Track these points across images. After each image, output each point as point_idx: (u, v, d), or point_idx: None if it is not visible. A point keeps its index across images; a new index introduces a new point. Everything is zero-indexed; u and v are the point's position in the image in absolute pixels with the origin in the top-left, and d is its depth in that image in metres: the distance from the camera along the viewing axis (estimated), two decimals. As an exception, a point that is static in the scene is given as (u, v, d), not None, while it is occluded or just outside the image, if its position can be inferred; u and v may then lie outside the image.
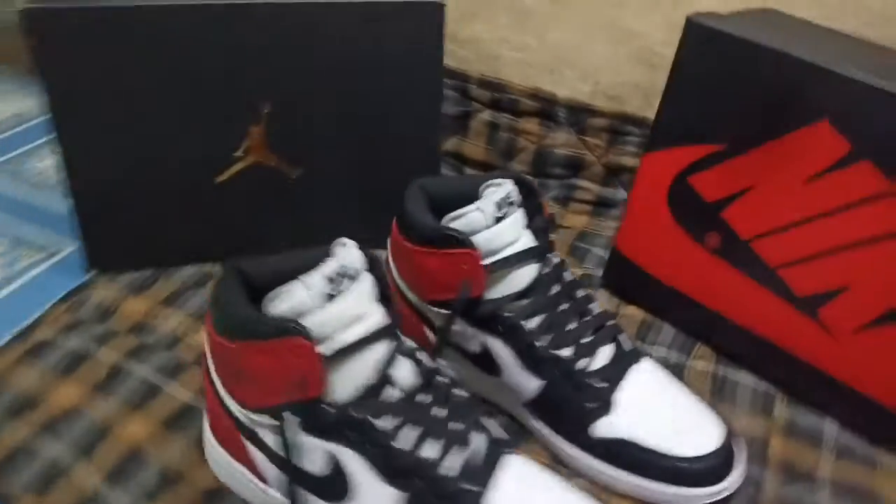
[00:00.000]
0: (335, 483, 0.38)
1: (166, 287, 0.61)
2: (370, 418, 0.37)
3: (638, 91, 0.71)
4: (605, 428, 0.45)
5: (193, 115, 0.57)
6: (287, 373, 0.36)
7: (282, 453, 0.39)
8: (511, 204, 0.45)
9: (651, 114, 0.70)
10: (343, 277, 0.37)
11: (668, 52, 0.53)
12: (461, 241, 0.43)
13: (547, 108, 0.72)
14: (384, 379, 0.38)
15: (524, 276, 0.46)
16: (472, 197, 0.47)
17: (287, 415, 0.37)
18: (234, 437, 0.41)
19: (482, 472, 0.38)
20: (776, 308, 0.53)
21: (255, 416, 0.39)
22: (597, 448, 0.46)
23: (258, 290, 0.39)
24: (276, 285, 0.38)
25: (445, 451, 0.38)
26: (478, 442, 0.39)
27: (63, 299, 0.59)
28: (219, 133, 0.58)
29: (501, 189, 0.45)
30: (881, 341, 0.49)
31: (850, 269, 0.49)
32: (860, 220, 0.47)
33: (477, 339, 0.48)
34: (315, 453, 0.38)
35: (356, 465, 0.38)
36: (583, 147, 0.73)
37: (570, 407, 0.46)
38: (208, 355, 0.41)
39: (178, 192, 0.60)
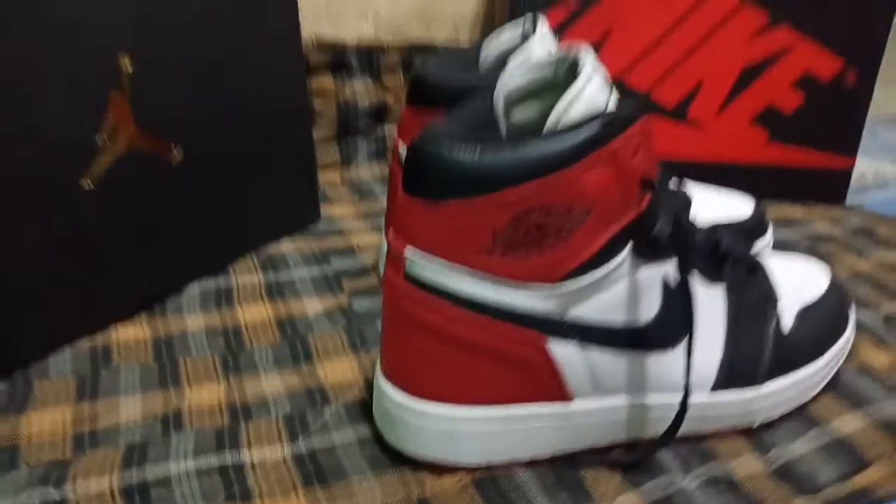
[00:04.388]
0: (674, 315, 0.31)
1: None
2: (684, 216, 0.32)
3: (420, 18, 0.71)
4: None
5: (31, 82, 0.35)
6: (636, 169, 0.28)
7: (617, 313, 0.30)
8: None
9: (432, 38, 0.72)
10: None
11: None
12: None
13: (338, 58, 0.67)
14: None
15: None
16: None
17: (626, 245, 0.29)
18: (528, 356, 0.30)
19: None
20: (658, 130, 0.62)
21: (568, 285, 0.29)
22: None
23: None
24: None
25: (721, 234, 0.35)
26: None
27: None
28: (70, 105, 0.37)
29: (541, 21, 0.41)
30: (734, 114, 0.63)
31: (700, 65, 0.61)
32: (701, 18, 0.60)
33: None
34: (653, 289, 0.31)
35: (692, 279, 0.32)
36: (382, 91, 0.70)
37: None
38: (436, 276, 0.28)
39: (29, 217, 0.36)
